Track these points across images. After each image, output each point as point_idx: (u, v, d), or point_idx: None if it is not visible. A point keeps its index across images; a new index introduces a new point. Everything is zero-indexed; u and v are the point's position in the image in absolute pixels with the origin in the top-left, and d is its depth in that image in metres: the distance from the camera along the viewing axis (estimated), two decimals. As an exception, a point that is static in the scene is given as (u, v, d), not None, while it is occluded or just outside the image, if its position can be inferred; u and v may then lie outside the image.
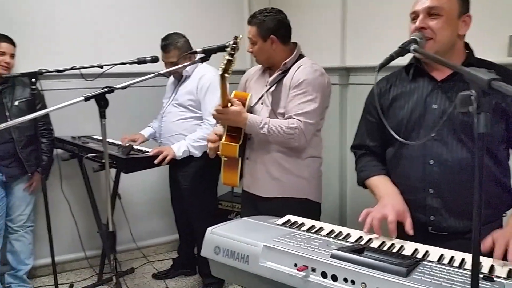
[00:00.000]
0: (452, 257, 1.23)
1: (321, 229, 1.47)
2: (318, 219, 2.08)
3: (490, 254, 1.22)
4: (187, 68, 2.62)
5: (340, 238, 1.38)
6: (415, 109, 1.45)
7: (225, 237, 1.37)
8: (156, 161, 2.49)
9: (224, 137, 1.98)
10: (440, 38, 1.36)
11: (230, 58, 1.72)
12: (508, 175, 1.43)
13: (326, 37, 2.93)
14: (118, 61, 2.49)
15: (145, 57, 2.59)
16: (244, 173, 2.13)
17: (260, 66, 2.17)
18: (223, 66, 1.73)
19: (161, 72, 1.85)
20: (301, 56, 2.02)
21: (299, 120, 1.87)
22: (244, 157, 2.10)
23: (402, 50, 1.32)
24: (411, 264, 1.12)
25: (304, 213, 1.92)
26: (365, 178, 1.59)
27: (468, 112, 1.31)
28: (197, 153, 2.61)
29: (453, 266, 1.16)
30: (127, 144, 2.57)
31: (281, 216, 1.94)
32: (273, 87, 2.01)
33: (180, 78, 2.80)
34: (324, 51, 2.86)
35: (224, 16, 3.56)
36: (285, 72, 1.98)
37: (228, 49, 1.73)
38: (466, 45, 1.46)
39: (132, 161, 2.44)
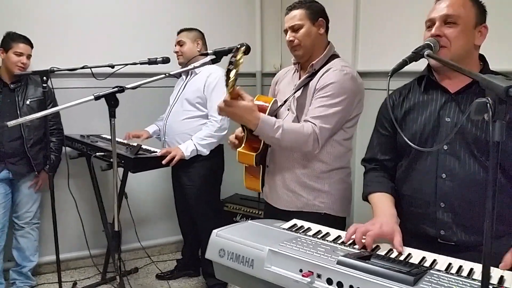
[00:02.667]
0: (461, 266, 1.21)
1: (327, 234, 1.45)
2: None
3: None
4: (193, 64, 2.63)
5: (347, 244, 1.36)
6: (429, 122, 1.43)
7: (230, 240, 1.35)
8: (164, 162, 2.49)
9: (243, 144, 1.87)
10: (455, 47, 1.35)
11: (231, 66, 1.54)
12: None
13: (338, 41, 2.87)
14: (129, 61, 2.51)
15: (156, 58, 2.60)
16: (265, 181, 2.03)
17: (291, 67, 2.04)
18: (225, 76, 1.55)
19: (172, 73, 1.86)
20: (332, 57, 1.90)
21: (315, 124, 1.75)
22: (265, 164, 2.00)
23: (416, 55, 1.30)
24: (418, 272, 1.10)
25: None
26: (368, 193, 1.58)
27: (482, 121, 1.31)
28: (205, 151, 2.61)
29: (461, 276, 1.14)
30: (135, 144, 2.57)
31: None
32: (299, 91, 1.89)
33: (186, 75, 2.81)
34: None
35: (236, 17, 3.57)
36: (312, 76, 1.87)
37: (233, 54, 1.56)
38: (481, 57, 1.44)
39: (140, 160, 2.44)
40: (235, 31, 3.49)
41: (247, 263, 1.29)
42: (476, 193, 1.34)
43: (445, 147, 1.39)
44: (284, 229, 1.49)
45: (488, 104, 0.78)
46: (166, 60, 2.69)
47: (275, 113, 1.94)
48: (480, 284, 1.02)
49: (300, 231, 1.48)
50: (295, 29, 1.86)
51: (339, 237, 1.43)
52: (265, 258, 1.25)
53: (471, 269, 1.18)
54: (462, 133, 1.36)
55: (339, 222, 1.93)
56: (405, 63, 1.30)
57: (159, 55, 2.66)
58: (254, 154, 1.83)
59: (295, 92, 1.89)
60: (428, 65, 1.48)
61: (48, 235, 2.85)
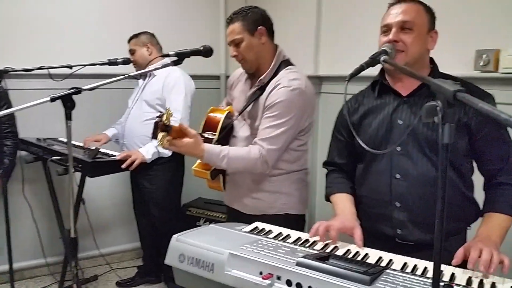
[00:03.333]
0: (415, 265, 1.25)
1: (288, 236, 1.47)
2: (302, 231, 2.05)
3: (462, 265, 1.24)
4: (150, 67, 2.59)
5: (307, 245, 1.38)
6: (382, 125, 1.48)
7: (191, 244, 1.34)
8: (123, 166, 2.43)
9: (196, 162, 1.89)
10: (411, 52, 1.40)
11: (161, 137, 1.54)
12: (472, 189, 1.47)
13: (300, 46, 2.95)
14: (88, 62, 2.44)
15: (117, 59, 2.56)
16: (225, 187, 2.04)
17: (243, 70, 2.01)
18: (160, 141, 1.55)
19: (131, 74, 1.81)
20: (282, 65, 1.86)
21: (262, 146, 1.77)
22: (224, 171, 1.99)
23: (373, 61, 1.34)
24: (374, 272, 1.13)
25: (287, 227, 1.84)
26: (329, 194, 1.65)
27: (433, 123, 1.36)
28: (167, 153, 2.57)
29: (416, 275, 1.17)
30: (93, 147, 2.49)
31: None
32: (250, 106, 1.89)
33: (145, 77, 2.78)
34: (298, 59, 2.85)
35: (199, 18, 3.54)
36: (261, 89, 1.85)
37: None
38: (431, 60, 1.51)
39: (98, 165, 2.36)
40: (200, 33, 3.46)
41: (207, 268, 1.28)
42: (429, 191, 1.39)
43: (398, 149, 1.43)
44: (245, 232, 1.49)
45: (438, 108, 0.81)
46: (126, 61, 2.65)
47: (230, 124, 1.96)
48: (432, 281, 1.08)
49: (261, 234, 1.48)
50: (236, 43, 1.84)
51: (299, 238, 1.44)
52: (226, 262, 1.24)
53: (425, 268, 1.22)
54: (415, 134, 1.41)
55: (300, 220, 1.99)
56: (362, 68, 1.33)
57: (120, 56, 2.62)
58: (209, 171, 1.86)
59: (246, 106, 1.90)
60: (381, 70, 1.53)
61: (1, 243, 2.72)
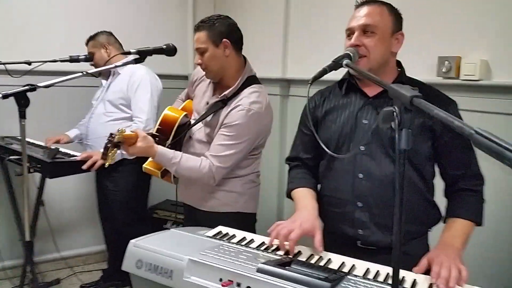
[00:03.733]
0: (378, 271, 1.24)
1: (251, 241, 1.44)
2: (254, 229, 2.08)
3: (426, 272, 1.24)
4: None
5: (270, 251, 1.35)
6: (346, 124, 1.47)
7: (149, 250, 1.29)
8: (84, 166, 2.34)
9: (148, 160, 1.92)
10: (373, 56, 1.39)
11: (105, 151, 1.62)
12: (433, 192, 1.47)
13: (268, 49, 2.94)
14: (49, 58, 2.35)
15: (78, 55, 2.47)
16: (179, 182, 2.06)
17: None
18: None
19: (89, 71, 1.75)
20: (246, 82, 1.86)
21: (212, 163, 1.81)
22: None
23: (335, 64, 1.33)
24: (335, 278, 1.11)
25: (239, 225, 1.87)
26: (290, 189, 1.60)
27: (390, 128, 1.36)
28: None
29: (377, 281, 1.17)
30: (53, 147, 2.40)
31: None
32: (210, 117, 1.91)
33: (108, 76, 2.69)
34: (266, 62, 2.87)
35: (167, 18, 3.47)
36: (224, 102, 1.86)
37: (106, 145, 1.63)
38: (398, 63, 1.50)
39: (58, 165, 2.27)
40: (167, 32, 3.39)
41: (165, 274, 1.23)
42: (391, 192, 1.38)
43: (362, 148, 1.42)
44: (208, 237, 1.46)
45: (395, 113, 0.80)
46: (89, 58, 2.56)
47: (187, 125, 1.98)
48: None
49: (224, 239, 1.45)
50: (200, 52, 1.84)
51: (262, 243, 1.41)
52: (185, 268, 1.20)
53: (387, 274, 1.22)
54: (378, 134, 1.40)
55: (251, 218, 2.05)
56: (324, 71, 1.33)
57: (83, 54, 2.53)
58: (159, 171, 1.92)
59: (206, 116, 1.91)
60: (328, 71, 1.51)
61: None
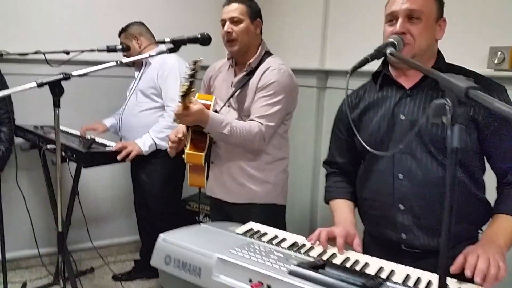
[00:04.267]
0: (418, 278, 1.15)
1: (283, 240, 1.38)
2: (284, 221, 2.08)
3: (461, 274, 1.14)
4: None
5: (302, 251, 1.29)
6: (383, 121, 1.38)
7: (178, 245, 1.26)
8: (119, 157, 2.35)
9: (188, 145, 1.89)
10: (419, 44, 1.29)
11: (189, 84, 1.55)
12: (483, 189, 1.36)
13: (306, 38, 2.84)
14: (87, 48, 2.36)
15: (116, 45, 2.47)
16: (209, 177, 2.05)
17: (224, 61, 2.06)
18: (181, 91, 1.57)
19: (123, 61, 1.72)
20: (266, 55, 1.95)
21: (261, 122, 1.83)
22: (209, 161, 2.02)
23: (378, 53, 1.24)
24: (373, 285, 1.03)
25: (271, 217, 1.93)
26: (328, 198, 1.58)
27: (440, 124, 1.26)
28: (165, 144, 2.47)
29: (419, 289, 1.08)
30: (88, 137, 2.41)
31: (246, 221, 1.86)
32: (239, 91, 1.93)
33: (140, 67, 2.68)
34: (303, 52, 2.78)
35: (201, 9, 3.41)
36: (250, 74, 1.91)
37: (188, 73, 1.56)
38: (437, 51, 1.39)
39: (93, 155, 2.28)
40: (200, 22, 3.29)
41: (194, 272, 1.19)
42: (435, 193, 1.29)
43: (401, 146, 1.32)
44: (238, 233, 1.41)
45: (448, 107, 0.71)
46: (127, 48, 2.56)
47: (215, 111, 1.96)
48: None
49: (255, 236, 1.39)
50: (234, 21, 1.87)
51: (295, 243, 1.35)
52: (213, 266, 1.16)
53: (429, 281, 1.12)
54: (419, 131, 1.30)
55: (282, 211, 2.07)
56: (366, 60, 1.25)
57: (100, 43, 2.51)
58: (203, 153, 1.87)
59: (235, 91, 1.92)
60: (384, 60, 1.42)
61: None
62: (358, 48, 2.54)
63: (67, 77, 1.54)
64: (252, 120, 1.85)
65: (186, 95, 1.58)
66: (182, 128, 2.01)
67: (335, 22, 2.74)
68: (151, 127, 2.51)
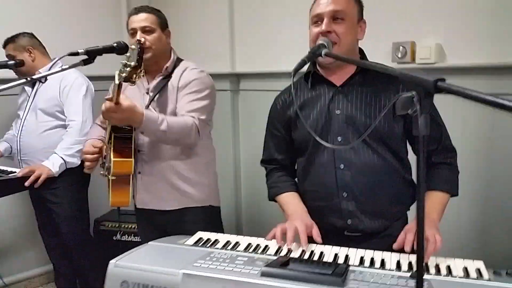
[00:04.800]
0: (372, 258, 1.24)
1: (237, 244, 1.38)
2: (221, 222, 2.08)
3: (402, 250, 1.27)
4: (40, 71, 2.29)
5: (259, 251, 1.30)
6: (321, 116, 1.45)
7: (135, 269, 1.18)
8: (27, 183, 2.09)
9: (112, 155, 1.74)
10: (344, 42, 1.37)
11: (136, 64, 1.45)
12: (410, 171, 1.50)
13: (215, 44, 2.86)
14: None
15: (7, 61, 2.21)
16: (138, 190, 1.94)
17: None
18: (124, 74, 1.45)
19: (34, 77, 1.54)
20: (179, 60, 1.95)
21: (193, 116, 1.78)
22: (135, 173, 1.90)
23: (313, 55, 1.31)
24: (342, 272, 1.09)
25: (208, 219, 1.95)
26: (275, 194, 1.59)
27: (370, 109, 1.37)
28: (76, 160, 2.28)
29: (380, 268, 1.16)
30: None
31: (183, 227, 1.85)
32: (158, 95, 1.88)
33: (34, 83, 2.43)
34: (214, 57, 2.78)
35: (99, 15, 3.21)
36: (167, 77, 1.88)
37: (133, 54, 1.46)
38: (360, 50, 1.51)
39: (-2, 184, 2.01)
40: (100, 32, 3.14)
41: (158, 293, 1.13)
42: (374, 178, 1.40)
43: (339, 139, 1.42)
44: (190, 245, 1.36)
45: (415, 99, 0.78)
46: (19, 63, 2.31)
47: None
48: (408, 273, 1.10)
49: (208, 245, 1.37)
50: (146, 30, 1.84)
51: (249, 244, 1.36)
52: (180, 283, 1.11)
53: (383, 260, 1.22)
54: (353, 123, 1.40)
55: (219, 212, 2.06)
56: (304, 62, 1.30)
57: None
58: (132, 159, 1.76)
59: (155, 95, 1.87)
60: (313, 62, 1.50)
61: None
62: (266, 51, 2.65)
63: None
64: (183, 115, 1.79)
65: (126, 81, 1.46)
66: (95, 140, 1.89)
67: (241, 26, 2.79)
68: (55, 146, 2.29)
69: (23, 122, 2.41)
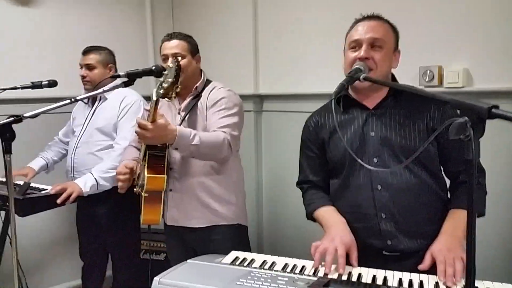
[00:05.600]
0: (410, 280, 1.25)
1: (274, 263, 1.40)
2: (248, 242, 2.10)
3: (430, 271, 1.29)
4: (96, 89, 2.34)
5: (297, 271, 1.32)
6: (355, 138, 1.48)
7: (179, 286, 1.21)
8: (59, 200, 2.12)
9: (146, 171, 1.78)
10: (380, 69, 1.42)
11: (174, 80, 1.50)
12: (446, 188, 1.52)
13: (239, 66, 2.92)
14: (8, 86, 2.13)
15: (41, 81, 2.28)
16: (168, 207, 1.99)
17: None
18: (162, 90, 1.49)
19: (78, 98, 1.60)
20: (208, 81, 2.01)
21: (225, 131, 1.81)
22: (167, 190, 1.94)
23: (351, 79, 1.34)
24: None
25: (237, 238, 1.98)
26: (313, 210, 1.59)
27: (405, 130, 1.41)
28: (108, 185, 2.28)
29: (420, 290, 1.18)
30: (20, 182, 2.16)
31: (211, 245, 1.91)
32: (189, 115, 1.94)
33: (94, 101, 2.49)
34: (238, 78, 2.84)
35: (126, 39, 3.31)
36: (197, 97, 1.94)
37: (170, 71, 1.52)
38: (392, 77, 1.54)
39: (30, 201, 2.04)
40: (126, 54, 3.22)
41: (204, 310, 1.15)
42: (411, 198, 1.42)
43: (375, 160, 1.44)
44: (228, 264, 1.39)
45: (468, 125, 0.81)
46: (52, 84, 2.36)
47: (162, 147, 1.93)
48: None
49: (244, 264, 1.39)
50: (177, 56, 1.90)
51: (286, 265, 1.38)
52: (225, 301, 1.13)
53: (421, 282, 1.24)
54: (389, 144, 1.43)
55: (246, 231, 2.09)
56: (343, 86, 1.32)
57: (37, 79, 2.30)
58: (165, 176, 1.80)
59: (185, 115, 1.93)
60: (346, 86, 1.53)
61: None
62: (288, 73, 2.71)
63: (19, 119, 1.40)
64: (215, 131, 1.82)
65: (163, 97, 1.50)
66: (128, 161, 1.94)
67: (265, 49, 2.86)
68: None
69: (79, 140, 2.43)
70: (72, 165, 2.41)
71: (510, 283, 1.21)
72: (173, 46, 1.92)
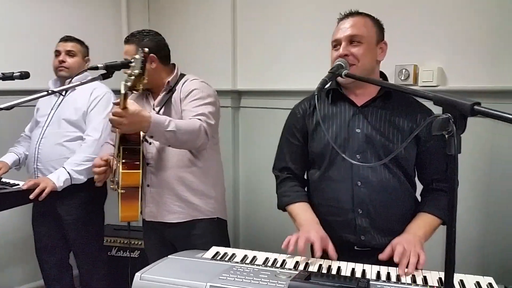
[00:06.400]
0: (388, 273, 1.28)
1: (255, 258, 1.40)
2: (228, 236, 2.09)
3: (387, 263, 1.35)
4: (73, 81, 2.28)
5: (278, 266, 1.33)
6: (340, 132, 1.50)
7: (160, 281, 1.19)
8: (32, 196, 2.05)
9: (121, 167, 1.76)
10: (362, 63, 1.44)
11: (141, 71, 1.47)
12: (416, 191, 1.57)
13: (217, 61, 2.91)
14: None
15: (13, 72, 2.19)
16: (146, 202, 1.96)
17: (136, 95, 2.03)
18: (129, 83, 1.46)
19: (56, 89, 1.56)
20: (182, 75, 1.99)
21: (200, 119, 1.75)
22: (143, 185, 1.93)
23: (333, 75, 1.36)
24: (365, 286, 1.13)
25: (216, 232, 1.97)
26: (286, 203, 1.60)
27: (389, 131, 1.44)
28: (82, 178, 2.24)
29: (397, 283, 1.21)
30: (-10, 178, 2.08)
31: (191, 240, 1.91)
32: (163, 109, 1.92)
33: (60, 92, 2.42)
34: (216, 74, 2.82)
35: (100, 34, 3.22)
36: (171, 91, 1.93)
37: (137, 63, 1.48)
38: (382, 74, 1.58)
39: (2, 197, 1.97)
40: (101, 49, 3.13)
41: (187, 305, 1.14)
42: (389, 197, 1.46)
43: (358, 157, 1.47)
44: (209, 259, 1.39)
45: (451, 121, 0.84)
46: (25, 76, 2.28)
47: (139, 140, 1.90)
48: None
49: (226, 259, 1.39)
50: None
51: (267, 259, 1.39)
52: (208, 296, 1.13)
53: (398, 275, 1.27)
54: (372, 143, 1.46)
55: (226, 225, 2.08)
56: (325, 82, 1.35)
57: (12, 68, 2.23)
58: (140, 171, 1.77)
59: (159, 110, 1.91)
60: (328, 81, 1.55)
61: None
62: (267, 69, 2.72)
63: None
64: (190, 118, 1.77)
65: (131, 90, 1.48)
66: (104, 154, 1.92)
67: (243, 44, 2.86)
68: None
69: (44, 130, 2.36)
70: (36, 156, 2.34)
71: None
72: (124, 53, 1.91)
